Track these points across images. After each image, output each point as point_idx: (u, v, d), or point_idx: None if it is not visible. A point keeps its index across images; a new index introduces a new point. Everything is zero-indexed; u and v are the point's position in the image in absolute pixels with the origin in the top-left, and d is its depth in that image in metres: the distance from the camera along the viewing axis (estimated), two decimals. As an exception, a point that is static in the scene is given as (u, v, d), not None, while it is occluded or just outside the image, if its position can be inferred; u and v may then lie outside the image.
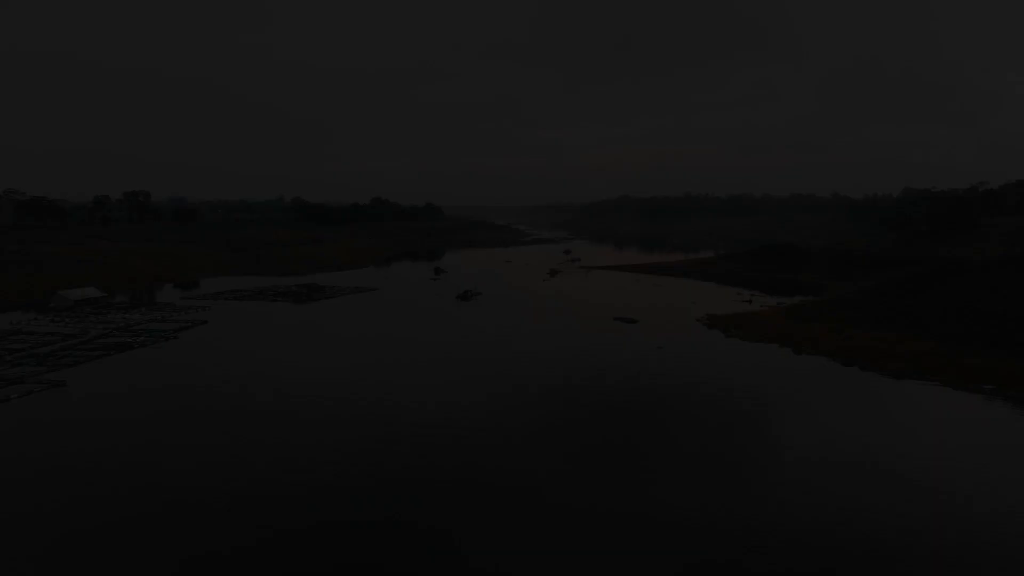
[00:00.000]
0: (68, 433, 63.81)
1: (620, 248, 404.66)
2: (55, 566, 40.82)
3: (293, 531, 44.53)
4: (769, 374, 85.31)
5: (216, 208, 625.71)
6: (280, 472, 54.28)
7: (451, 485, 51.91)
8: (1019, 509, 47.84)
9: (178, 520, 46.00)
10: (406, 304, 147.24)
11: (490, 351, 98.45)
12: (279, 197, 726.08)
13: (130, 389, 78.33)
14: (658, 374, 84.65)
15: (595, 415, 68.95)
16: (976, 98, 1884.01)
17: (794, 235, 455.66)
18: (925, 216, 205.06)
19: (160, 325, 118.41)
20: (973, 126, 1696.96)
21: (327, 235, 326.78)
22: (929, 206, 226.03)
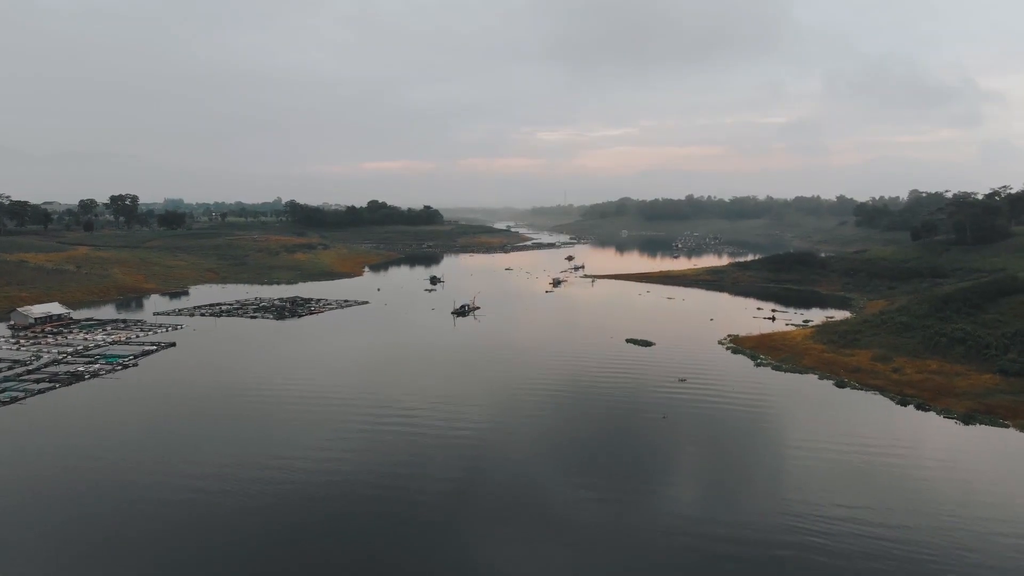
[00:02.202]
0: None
1: (622, 252, 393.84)
2: None
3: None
4: (814, 417, 73.17)
5: (211, 210, 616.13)
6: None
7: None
8: None
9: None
10: (397, 321, 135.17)
11: (488, 386, 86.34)
12: (277, 199, 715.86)
13: (59, 443, 65.91)
14: (684, 415, 72.63)
15: (613, 477, 56.92)
16: (981, 99, 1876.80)
17: (802, 239, 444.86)
18: (952, 223, 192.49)
19: (122, 349, 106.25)
20: (977, 127, 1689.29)
21: (322, 239, 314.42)
22: (951, 212, 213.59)
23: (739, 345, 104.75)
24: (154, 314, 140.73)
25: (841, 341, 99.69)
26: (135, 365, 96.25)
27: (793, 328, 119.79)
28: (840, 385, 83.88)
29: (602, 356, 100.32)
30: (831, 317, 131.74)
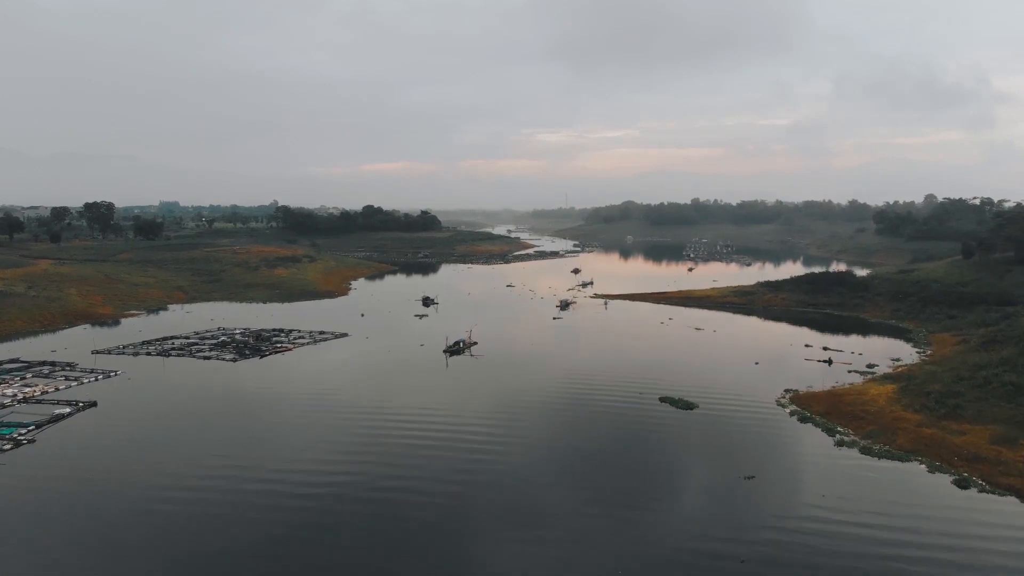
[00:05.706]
0: None
1: (627, 258, 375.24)
2: None
3: None
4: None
5: (203, 214, 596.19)
6: None
7: None
8: None
9: None
10: (377, 363, 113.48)
11: (485, 480, 64.81)
12: (273, 202, 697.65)
13: None
14: (767, 553, 51.07)
15: None
16: (994, 101, 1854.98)
17: (819, 248, 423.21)
18: (1013, 239, 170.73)
19: (28, 410, 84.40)
20: (989, 129, 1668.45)
21: (309, 250, 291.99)
22: (1000, 224, 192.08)
23: (805, 409, 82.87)
24: (93, 352, 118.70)
25: (938, 407, 77.91)
26: (31, 441, 74.42)
27: (860, 378, 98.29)
28: (962, 485, 62.05)
29: (633, 428, 78.49)
30: (898, 360, 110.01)
